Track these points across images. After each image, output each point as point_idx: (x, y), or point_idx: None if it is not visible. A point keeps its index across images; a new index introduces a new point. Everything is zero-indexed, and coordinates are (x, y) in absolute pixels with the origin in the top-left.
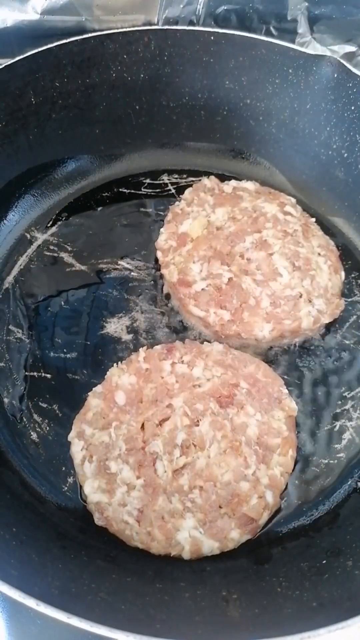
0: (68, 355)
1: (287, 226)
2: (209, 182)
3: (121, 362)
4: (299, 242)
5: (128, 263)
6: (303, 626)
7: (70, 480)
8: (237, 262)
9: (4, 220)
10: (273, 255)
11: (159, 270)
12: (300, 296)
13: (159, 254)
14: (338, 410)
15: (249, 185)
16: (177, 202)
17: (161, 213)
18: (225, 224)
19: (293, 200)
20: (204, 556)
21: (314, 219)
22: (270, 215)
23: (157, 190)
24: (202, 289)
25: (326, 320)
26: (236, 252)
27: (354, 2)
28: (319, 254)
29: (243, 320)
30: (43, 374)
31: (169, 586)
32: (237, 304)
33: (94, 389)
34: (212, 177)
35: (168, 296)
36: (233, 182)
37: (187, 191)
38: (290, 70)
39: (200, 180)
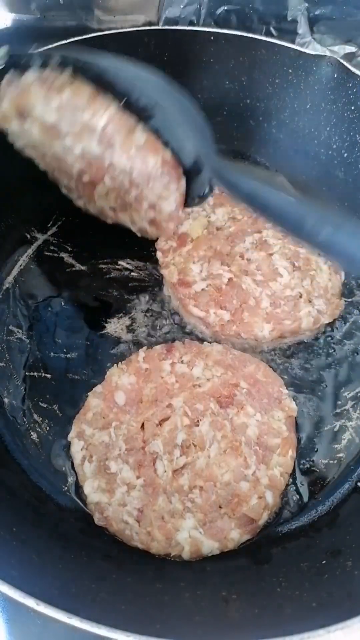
0: (68, 355)
1: None
2: None
3: (121, 362)
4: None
5: (128, 263)
6: (303, 626)
7: (70, 480)
8: (237, 262)
9: (4, 221)
10: (273, 255)
11: (159, 270)
12: (300, 296)
13: (159, 254)
14: (338, 410)
15: None
16: None
17: None
18: (225, 224)
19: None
20: (204, 556)
21: None
22: None
23: None
24: (202, 289)
25: (326, 320)
26: (236, 252)
27: (354, 2)
28: (319, 254)
29: (243, 320)
30: (43, 374)
31: (169, 586)
32: (237, 304)
33: (94, 389)
34: None
35: (168, 296)
36: None
37: None
38: (290, 71)
39: None
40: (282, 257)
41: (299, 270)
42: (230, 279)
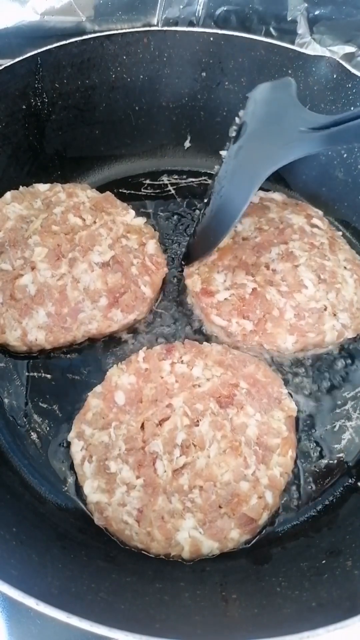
0: (68, 355)
1: (314, 239)
2: None
3: (121, 362)
4: (325, 255)
5: None
6: (302, 626)
7: (70, 480)
8: (262, 272)
9: None
10: (299, 267)
11: (183, 280)
12: (325, 309)
13: (184, 266)
14: (338, 410)
15: (276, 195)
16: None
17: (161, 214)
18: (251, 234)
19: (320, 212)
20: (204, 556)
21: (340, 233)
22: (297, 227)
23: (157, 191)
24: (225, 299)
25: (350, 335)
26: (261, 262)
27: (354, 2)
28: (345, 267)
29: (266, 331)
30: (43, 374)
31: (169, 586)
32: (260, 315)
33: (94, 389)
34: None
35: (168, 295)
36: (260, 193)
37: None
38: (289, 71)
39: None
40: (308, 269)
41: (325, 283)
42: (254, 289)
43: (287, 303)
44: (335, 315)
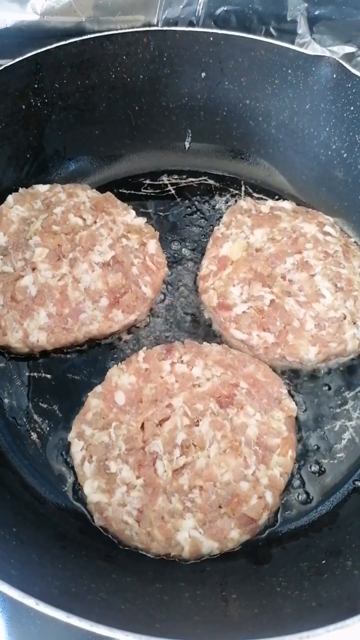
0: (68, 356)
1: (327, 247)
2: (245, 203)
3: (121, 362)
4: (340, 263)
5: None
6: (302, 626)
7: (70, 480)
8: (278, 283)
9: None
10: (315, 276)
11: (199, 297)
12: (344, 318)
13: (199, 282)
14: (338, 410)
15: (286, 204)
16: (216, 227)
17: (161, 214)
18: (264, 245)
19: (331, 219)
20: (204, 556)
21: (353, 239)
22: (310, 235)
23: (157, 191)
24: (243, 312)
25: None
26: (277, 273)
27: (354, 3)
28: None
29: (288, 342)
30: (43, 374)
31: (169, 586)
32: (280, 326)
33: (94, 389)
34: (248, 198)
35: (169, 295)
36: (270, 202)
37: (225, 214)
38: (289, 71)
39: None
40: (325, 277)
41: (342, 291)
42: (272, 301)
43: (306, 313)
44: (355, 323)
